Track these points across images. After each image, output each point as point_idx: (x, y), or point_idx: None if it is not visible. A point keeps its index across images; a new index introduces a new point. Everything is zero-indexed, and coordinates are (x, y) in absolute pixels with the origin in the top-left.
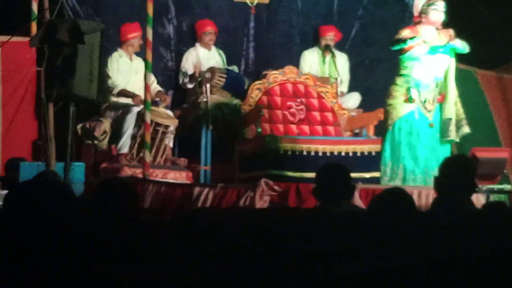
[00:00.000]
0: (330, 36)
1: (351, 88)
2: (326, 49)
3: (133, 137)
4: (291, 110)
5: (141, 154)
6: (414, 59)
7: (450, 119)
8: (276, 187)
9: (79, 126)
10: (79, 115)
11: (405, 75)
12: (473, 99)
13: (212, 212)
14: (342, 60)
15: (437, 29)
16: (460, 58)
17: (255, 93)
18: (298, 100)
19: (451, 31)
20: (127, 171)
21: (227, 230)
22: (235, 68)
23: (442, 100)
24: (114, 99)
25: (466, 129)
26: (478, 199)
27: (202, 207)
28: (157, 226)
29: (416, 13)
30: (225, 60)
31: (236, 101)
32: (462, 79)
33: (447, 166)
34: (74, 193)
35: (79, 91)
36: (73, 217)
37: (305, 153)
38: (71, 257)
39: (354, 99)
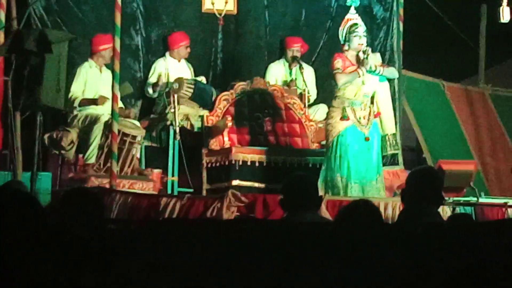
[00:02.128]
0: (296, 47)
1: (318, 100)
2: (293, 60)
3: (100, 147)
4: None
5: (108, 164)
6: (346, 82)
7: (385, 135)
8: (243, 198)
9: (46, 136)
10: (46, 124)
11: (340, 97)
12: (441, 112)
13: (179, 223)
14: (309, 72)
15: (364, 53)
16: (427, 71)
17: (222, 104)
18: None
19: (377, 57)
20: (94, 181)
21: (194, 241)
22: (203, 79)
23: (378, 115)
24: (78, 111)
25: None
26: (444, 211)
27: (169, 218)
28: (124, 236)
29: (342, 42)
30: (193, 72)
31: (203, 112)
32: (429, 92)
33: (413, 178)
34: (40, 203)
35: (46, 101)
36: (39, 227)
37: (272, 164)
38: (38, 266)
39: (321, 111)
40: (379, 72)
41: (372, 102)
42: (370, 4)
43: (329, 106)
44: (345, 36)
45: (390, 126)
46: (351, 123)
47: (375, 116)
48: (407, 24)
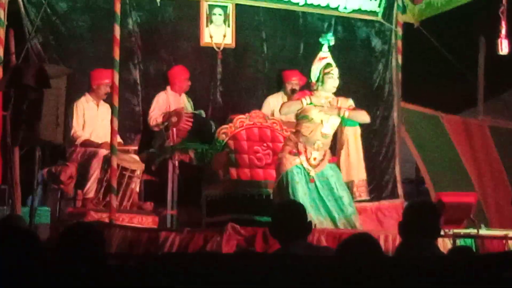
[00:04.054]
0: (295, 80)
1: None
2: (292, 93)
3: (99, 181)
4: (258, 154)
5: (107, 199)
6: (304, 117)
7: (351, 181)
8: (242, 232)
9: (45, 170)
10: (44, 159)
11: (297, 132)
12: (440, 144)
13: (178, 257)
14: None
15: (336, 95)
16: (426, 103)
17: (221, 137)
18: (265, 144)
19: (349, 102)
20: (93, 216)
21: (194, 275)
22: (202, 113)
23: (333, 161)
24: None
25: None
26: (445, 244)
27: (168, 252)
28: (124, 271)
29: (313, 80)
30: (192, 106)
31: (202, 145)
32: (428, 124)
33: (410, 211)
34: (39, 238)
35: (45, 135)
36: (39, 262)
37: (271, 197)
38: None
39: None
40: (343, 115)
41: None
42: (369, 37)
43: (285, 137)
44: (319, 76)
45: (359, 172)
46: (299, 162)
47: (330, 161)
48: (405, 57)
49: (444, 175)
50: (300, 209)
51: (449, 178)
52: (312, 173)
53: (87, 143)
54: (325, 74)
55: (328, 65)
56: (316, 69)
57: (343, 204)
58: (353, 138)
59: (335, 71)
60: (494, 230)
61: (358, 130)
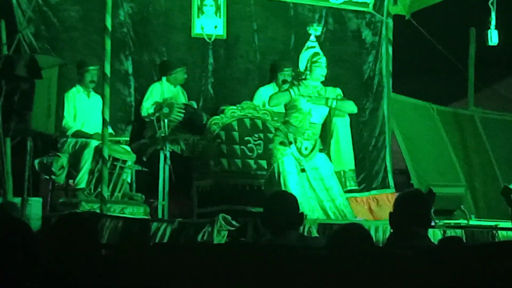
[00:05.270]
0: (287, 71)
1: None
2: (284, 84)
3: (91, 172)
4: (249, 145)
5: (99, 189)
6: (292, 107)
7: (341, 171)
8: (234, 222)
9: (36, 161)
10: (36, 150)
11: (286, 122)
12: (430, 135)
13: (169, 248)
14: None
15: (323, 84)
16: (416, 94)
17: (213, 128)
18: (256, 135)
19: (337, 91)
20: (85, 206)
21: (185, 266)
22: (193, 104)
23: (324, 150)
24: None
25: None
26: (435, 234)
27: (159, 243)
28: (116, 261)
29: (301, 69)
30: (186, 97)
31: (194, 136)
32: (419, 115)
33: (401, 202)
34: (31, 228)
35: (36, 126)
36: (31, 252)
37: (263, 188)
38: None
39: None
40: (330, 105)
41: (323, 134)
42: (359, 28)
43: (276, 128)
44: (306, 65)
45: (348, 161)
46: (290, 152)
47: (320, 151)
48: (396, 48)
49: (431, 166)
50: (292, 200)
51: (436, 170)
52: (303, 163)
53: (78, 134)
54: (312, 63)
55: (315, 54)
56: (304, 58)
57: (334, 194)
58: (342, 128)
59: (322, 59)
60: (483, 220)
61: (347, 120)
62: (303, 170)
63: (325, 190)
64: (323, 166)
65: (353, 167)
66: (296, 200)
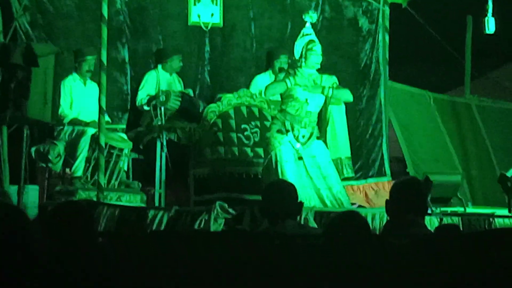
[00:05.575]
0: (283, 58)
1: None
2: (280, 72)
3: (87, 160)
4: (246, 133)
5: (96, 177)
6: (288, 97)
7: (338, 158)
8: (230, 210)
9: (33, 149)
10: (33, 138)
11: (282, 111)
12: (427, 122)
13: (166, 235)
14: None
15: (319, 72)
16: (413, 82)
17: (209, 116)
18: (253, 123)
19: (333, 79)
20: (82, 194)
21: (181, 254)
22: (190, 92)
23: (321, 138)
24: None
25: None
26: (432, 222)
27: (156, 230)
28: (112, 249)
29: (296, 56)
30: (183, 85)
31: (190, 124)
32: (415, 102)
33: (397, 189)
34: (27, 216)
35: (33, 114)
36: (27, 240)
37: (260, 176)
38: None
39: None
40: (327, 94)
41: (319, 122)
42: (356, 16)
43: (273, 117)
44: (301, 52)
45: (344, 149)
46: (287, 140)
47: (318, 138)
48: (392, 36)
49: (427, 155)
50: (290, 189)
51: (432, 158)
52: (301, 151)
53: (75, 122)
54: (307, 50)
55: (310, 41)
56: (299, 45)
57: (331, 182)
58: (338, 116)
59: (317, 47)
60: (480, 208)
61: (343, 108)
62: (300, 158)
63: (322, 178)
64: (320, 154)
65: (349, 154)
66: (295, 189)
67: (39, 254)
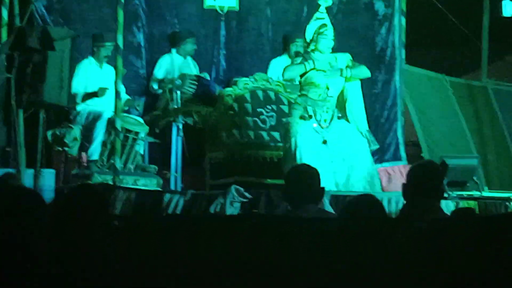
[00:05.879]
0: (300, 42)
1: None
2: (296, 55)
3: (104, 144)
4: (262, 116)
5: (112, 161)
6: (309, 84)
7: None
8: (246, 194)
9: (49, 133)
10: (49, 121)
11: (303, 96)
12: (443, 106)
13: (182, 219)
14: None
15: (333, 54)
16: (430, 66)
17: (225, 100)
18: (269, 107)
19: (346, 58)
20: (98, 178)
21: (197, 237)
22: (206, 76)
23: (342, 117)
24: (81, 107)
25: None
26: (448, 206)
27: (172, 214)
28: (128, 233)
29: (308, 40)
30: (198, 69)
31: (206, 108)
32: (432, 86)
33: (414, 173)
34: (44, 200)
35: (49, 98)
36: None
37: (275, 159)
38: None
39: None
40: (346, 75)
41: (338, 102)
42: (372, 0)
43: (292, 102)
44: (313, 36)
45: (362, 123)
46: (310, 125)
47: (338, 118)
48: (409, 20)
49: (443, 138)
50: (314, 174)
51: (448, 142)
52: (324, 135)
53: (85, 97)
54: (319, 34)
55: (323, 25)
56: (310, 28)
57: (354, 166)
58: (353, 92)
59: (329, 31)
60: (496, 192)
61: (358, 83)
62: (324, 142)
63: (343, 163)
64: (344, 135)
65: (367, 127)
66: (318, 174)
67: (39, 254)
